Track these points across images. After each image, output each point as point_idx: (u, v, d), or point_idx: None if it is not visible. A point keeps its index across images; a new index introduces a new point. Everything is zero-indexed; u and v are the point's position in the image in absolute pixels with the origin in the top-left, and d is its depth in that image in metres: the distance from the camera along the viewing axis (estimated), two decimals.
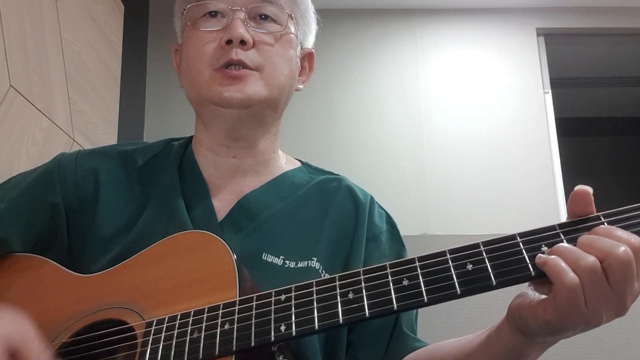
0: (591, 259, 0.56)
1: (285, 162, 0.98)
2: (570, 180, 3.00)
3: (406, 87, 3.08)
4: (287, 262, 0.83)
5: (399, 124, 3.02)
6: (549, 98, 3.08)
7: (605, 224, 0.60)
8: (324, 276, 0.82)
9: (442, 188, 2.92)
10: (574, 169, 3.15)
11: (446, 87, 3.09)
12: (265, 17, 0.88)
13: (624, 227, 0.59)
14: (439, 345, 0.81)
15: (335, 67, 3.09)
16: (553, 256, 0.58)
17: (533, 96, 3.07)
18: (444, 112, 3.04)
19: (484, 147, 2.98)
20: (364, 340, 0.85)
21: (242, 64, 0.85)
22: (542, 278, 0.59)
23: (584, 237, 0.59)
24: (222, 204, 0.89)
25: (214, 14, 0.88)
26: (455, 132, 3.01)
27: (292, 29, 0.91)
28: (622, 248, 0.56)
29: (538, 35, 3.16)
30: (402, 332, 0.86)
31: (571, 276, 0.56)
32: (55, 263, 0.83)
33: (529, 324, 0.61)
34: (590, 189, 0.61)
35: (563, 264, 0.57)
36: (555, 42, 3.20)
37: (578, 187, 0.62)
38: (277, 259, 0.83)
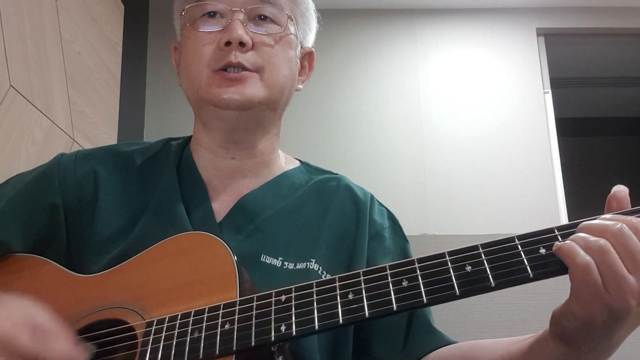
0: (602, 240, 0.56)
1: (284, 162, 0.98)
2: (570, 180, 3.00)
3: (406, 87, 3.08)
4: (286, 263, 0.82)
5: (399, 124, 3.02)
6: (549, 98, 3.08)
7: None
8: (324, 277, 0.82)
9: (442, 188, 2.92)
10: (574, 169, 3.15)
11: (446, 87, 3.09)
12: (264, 18, 0.88)
13: None
14: (473, 346, 0.79)
15: (335, 67, 3.08)
16: (567, 241, 0.58)
17: (533, 96, 3.07)
18: (444, 112, 3.04)
19: (484, 147, 2.98)
20: (376, 337, 0.85)
21: (241, 67, 0.84)
22: (540, 280, 0.59)
23: (594, 223, 0.59)
24: (221, 205, 0.88)
25: (212, 14, 0.87)
26: (455, 132, 3.01)
27: (292, 30, 0.91)
28: (624, 227, 0.56)
29: (538, 35, 3.16)
30: (429, 327, 0.85)
31: (582, 255, 0.56)
32: (55, 263, 0.83)
33: (562, 323, 0.60)
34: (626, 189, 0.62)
35: (575, 246, 0.57)
36: (555, 42, 3.20)
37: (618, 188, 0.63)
38: (275, 260, 0.82)
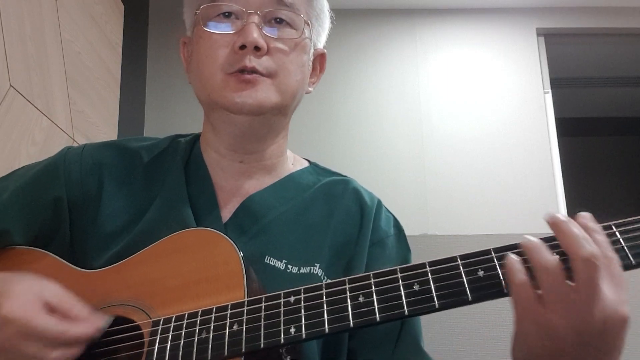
0: (551, 259, 0.57)
1: (292, 163, 0.97)
2: (570, 180, 3.00)
3: (406, 87, 3.08)
4: (290, 266, 0.82)
5: (399, 124, 3.02)
6: (549, 98, 3.08)
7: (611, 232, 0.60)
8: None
9: (442, 188, 2.91)
10: (574, 169, 3.16)
11: (446, 87, 3.09)
12: (280, 21, 0.86)
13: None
14: None
15: (335, 66, 3.08)
16: (517, 259, 0.59)
17: (533, 96, 3.07)
18: (444, 112, 3.04)
19: (484, 147, 2.98)
20: (362, 348, 0.84)
21: (255, 71, 0.82)
22: None
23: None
24: (226, 205, 0.88)
25: (227, 15, 0.86)
26: (455, 132, 3.00)
27: (307, 34, 0.89)
28: (588, 247, 0.56)
29: (538, 35, 3.16)
30: (418, 348, 0.84)
31: (518, 276, 0.58)
32: (57, 257, 0.82)
33: (514, 350, 0.61)
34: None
35: (516, 264, 0.58)
36: (555, 42, 3.20)
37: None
38: (279, 262, 0.82)
